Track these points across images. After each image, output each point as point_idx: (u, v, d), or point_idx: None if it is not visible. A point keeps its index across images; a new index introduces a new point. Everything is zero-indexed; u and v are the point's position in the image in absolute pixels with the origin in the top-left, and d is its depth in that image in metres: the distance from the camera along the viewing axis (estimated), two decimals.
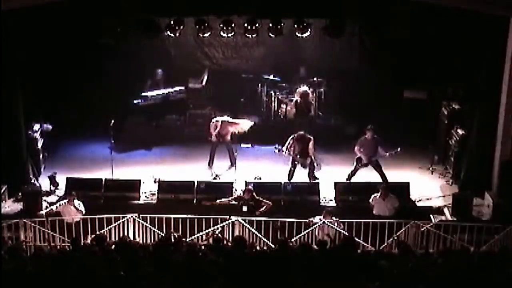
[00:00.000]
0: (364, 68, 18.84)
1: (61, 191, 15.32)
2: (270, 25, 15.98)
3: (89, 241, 11.37)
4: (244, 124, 16.95)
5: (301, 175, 15.65)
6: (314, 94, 18.50)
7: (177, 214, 13.33)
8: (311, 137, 15.54)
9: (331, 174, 15.96)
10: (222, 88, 18.98)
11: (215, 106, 18.52)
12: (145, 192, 15.25)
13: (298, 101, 18.20)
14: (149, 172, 15.96)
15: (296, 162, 15.46)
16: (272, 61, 19.42)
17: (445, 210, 14.74)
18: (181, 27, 16.10)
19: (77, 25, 17.04)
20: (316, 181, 15.54)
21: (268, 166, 16.45)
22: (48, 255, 9.97)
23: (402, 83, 18.60)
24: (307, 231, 12.96)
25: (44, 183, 15.66)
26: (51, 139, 16.88)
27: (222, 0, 15.25)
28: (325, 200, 15.07)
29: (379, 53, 18.08)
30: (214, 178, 15.85)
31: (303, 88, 18.25)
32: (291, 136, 15.50)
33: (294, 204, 14.88)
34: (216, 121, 16.53)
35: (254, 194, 14.01)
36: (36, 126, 16.30)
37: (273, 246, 11.62)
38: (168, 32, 16.17)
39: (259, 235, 12.80)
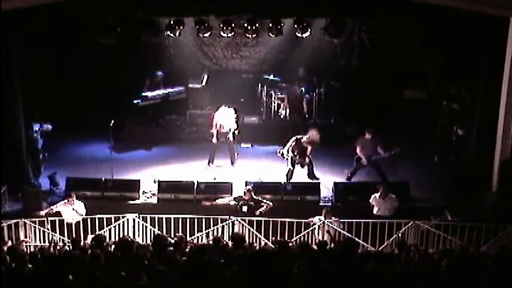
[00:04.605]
0: (364, 68, 18.85)
1: (61, 191, 15.32)
2: (270, 25, 16.00)
3: (89, 241, 11.36)
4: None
5: (301, 175, 15.65)
6: (314, 94, 18.51)
7: (177, 214, 13.34)
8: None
9: (331, 174, 15.97)
10: (222, 88, 18.98)
11: (215, 106, 18.51)
12: (145, 192, 15.26)
13: (289, 99, 18.25)
14: (149, 172, 15.97)
15: (295, 162, 15.46)
16: (272, 61, 19.43)
17: (445, 210, 14.74)
18: (181, 27, 16.12)
19: (77, 24, 17.08)
20: (316, 181, 15.54)
21: (268, 166, 16.45)
22: (48, 255, 9.96)
23: (402, 83, 18.61)
24: (307, 231, 12.97)
25: (44, 183, 15.66)
26: (51, 139, 16.87)
27: (222, 0, 15.26)
28: (325, 200, 15.08)
29: (379, 53, 18.09)
30: (214, 178, 15.85)
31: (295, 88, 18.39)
32: (293, 138, 15.47)
33: (294, 204, 14.88)
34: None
35: (253, 194, 14.03)
36: (36, 126, 16.29)
37: (273, 246, 11.61)
38: (168, 32, 16.18)
39: (259, 235, 12.82)
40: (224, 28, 15.92)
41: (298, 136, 15.45)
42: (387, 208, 13.98)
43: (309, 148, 15.37)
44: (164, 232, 12.83)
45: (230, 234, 12.68)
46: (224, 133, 16.36)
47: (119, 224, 12.99)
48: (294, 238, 12.67)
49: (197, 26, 16.08)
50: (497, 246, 12.05)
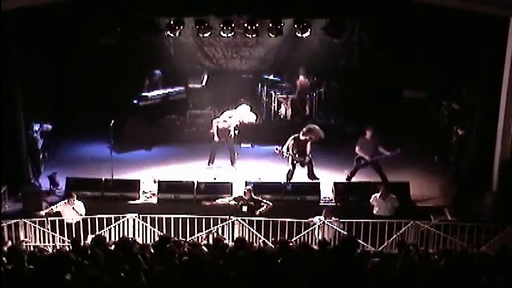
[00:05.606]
0: (364, 68, 18.85)
1: (61, 191, 15.32)
2: (270, 25, 16.01)
3: (89, 241, 11.34)
4: (243, 113, 16.74)
5: (301, 175, 15.65)
6: (314, 94, 18.51)
7: (177, 214, 13.34)
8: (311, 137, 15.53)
9: (331, 174, 15.97)
10: (222, 88, 18.98)
11: (215, 106, 18.52)
12: (145, 192, 15.25)
13: (293, 99, 18.25)
14: (149, 172, 15.98)
15: (295, 162, 15.45)
16: (272, 61, 19.44)
17: (445, 210, 14.75)
18: (181, 27, 16.13)
19: (77, 25, 17.08)
20: (316, 181, 15.54)
21: (268, 166, 16.44)
22: (47, 255, 9.96)
23: (402, 83, 18.62)
24: (307, 231, 12.97)
25: (44, 183, 15.66)
26: (51, 139, 16.88)
27: (222, 0, 15.26)
28: (325, 200, 15.07)
29: (379, 53, 18.09)
30: (214, 178, 15.85)
31: (301, 78, 18.34)
32: (292, 137, 15.48)
33: (294, 204, 14.88)
34: (217, 122, 16.52)
35: (253, 194, 14.02)
36: (36, 126, 16.29)
37: (273, 246, 11.61)
38: (168, 32, 16.19)
39: (259, 235, 12.82)
40: (224, 28, 15.93)
41: (296, 135, 15.46)
42: (387, 208, 13.98)
43: (309, 144, 15.35)
44: (164, 232, 12.82)
45: (231, 236, 12.70)
46: (224, 131, 16.35)
47: (119, 224, 12.99)
48: (294, 238, 12.66)
49: (197, 26, 16.09)
50: (497, 246, 12.05)
